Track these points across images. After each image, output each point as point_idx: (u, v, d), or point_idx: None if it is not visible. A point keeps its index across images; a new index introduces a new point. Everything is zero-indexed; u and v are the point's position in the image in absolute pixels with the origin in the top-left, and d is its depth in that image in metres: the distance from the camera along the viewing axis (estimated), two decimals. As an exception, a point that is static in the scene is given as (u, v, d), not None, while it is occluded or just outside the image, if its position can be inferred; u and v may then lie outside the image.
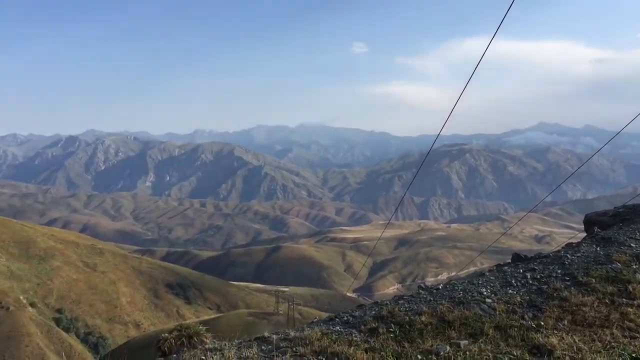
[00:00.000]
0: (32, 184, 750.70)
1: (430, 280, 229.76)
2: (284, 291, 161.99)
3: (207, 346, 9.22)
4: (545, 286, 11.36)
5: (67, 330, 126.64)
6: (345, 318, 10.54)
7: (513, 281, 11.92)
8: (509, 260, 14.53)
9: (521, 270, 12.70)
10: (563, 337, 8.70)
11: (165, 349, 9.72)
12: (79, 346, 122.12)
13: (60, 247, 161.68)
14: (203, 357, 8.49)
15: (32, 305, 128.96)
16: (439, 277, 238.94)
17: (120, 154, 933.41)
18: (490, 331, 9.07)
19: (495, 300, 10.59)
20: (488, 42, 14.59)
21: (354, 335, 9.34)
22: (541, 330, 9.17)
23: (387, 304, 11.32)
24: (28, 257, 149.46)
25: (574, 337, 8.74)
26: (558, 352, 8.18)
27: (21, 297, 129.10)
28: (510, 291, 11.27)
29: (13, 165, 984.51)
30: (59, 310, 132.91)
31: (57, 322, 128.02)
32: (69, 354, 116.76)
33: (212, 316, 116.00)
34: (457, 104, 17.09)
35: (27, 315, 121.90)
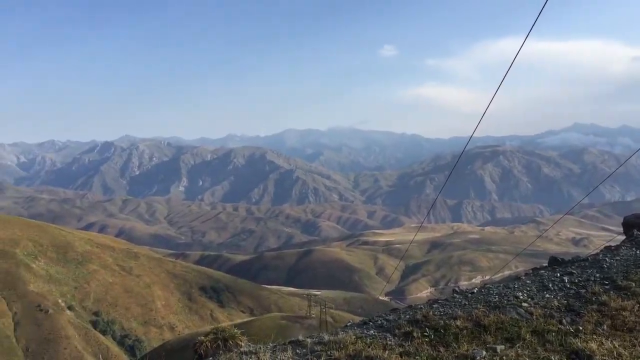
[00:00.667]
0: (69, 189, 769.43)
1: (463, 284, 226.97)
2: (316, 295, 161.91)
3: (242, 349, 9.30)
4: (584, 290, 11.13)
5: (104, 332, 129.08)
6: (379, 322, 10.51)
7: (550, 285, 11.71)
8: (546, 264, 14.28)
9: (558, 274, 12.47)
10: (602, 342, 8.52)
11: (202, 351, 9.85)
12: (115, 348, 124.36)
13: (96, 251, 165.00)
14: (239, 360, 8.57)
15: (70, 308, 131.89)
16: (473, 280, 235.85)
17: (154, 159, 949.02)
18: (528, 336, 8.92)
19: (532, 305, 10.42)
20: (521, 42, 14.42)
21: (388, 339, 9.31)
22: (580, 335, 8.98)
23: (421, 307, 11.25)
24: (66, 261, 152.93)
25: (614, 342, 8.55)
26: (597, 357, 8.01)
27: (59, 300, 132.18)
28: (547, 295, 11.08)
29: (51, 171, 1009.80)
30: (96, 313, 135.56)
31: (94, 324, 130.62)
32: (106, 357, 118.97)
33: (245, 319, 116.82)
34: (489, 105, 16.92)
35: (66, 318, 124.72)
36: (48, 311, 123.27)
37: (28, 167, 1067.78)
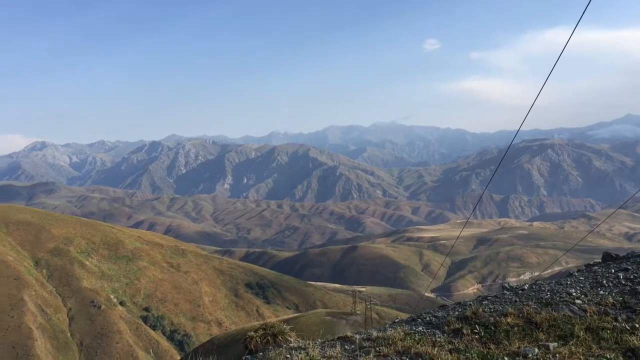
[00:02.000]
0: (119, 188, 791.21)
1: (512, 281, 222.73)
2: (361, 291, 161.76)
3: (291, 345, 9.43)
4: (640, 287, 10.81)
5: (153, 328, 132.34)
6: (428, 318, 10.48)
7: (604, 281, 11.43)
8: (599, 260, 13.92)
9: (613, 270, 12.15)
10: (661, 341, 8.27)
11: (252, 347, 10.02)
12: (165, 343, 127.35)
13: (146, 248, 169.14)
14: (288, 356, 8.68)
15: (121, 303, 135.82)
16: (522, 277, 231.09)
17: (199, 157, 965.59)
18: (581, 333, 8.75)
19: (586, 302, 10.19)
20: (570, 32, 14.05)
21: (437, 335, 9.28)
22: (636, 332, 8.75)
23: (470, 304, 11.15)
24: (117, 258, 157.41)
25: (673, 340, 8.29)
26: (656, 355, 7.79)
27: (112, 296, 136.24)
28: (601, 292, 10.82)
29: (102, 171, 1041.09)
30: (146, 309, 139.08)
31: (145, 320, 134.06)
32: (157, 351, 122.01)
33: (291, 315, 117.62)
34: (537, 98, 16.55)
35: (117, 313, 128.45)
36: (101, 307, 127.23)
37: (80, 167, 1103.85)
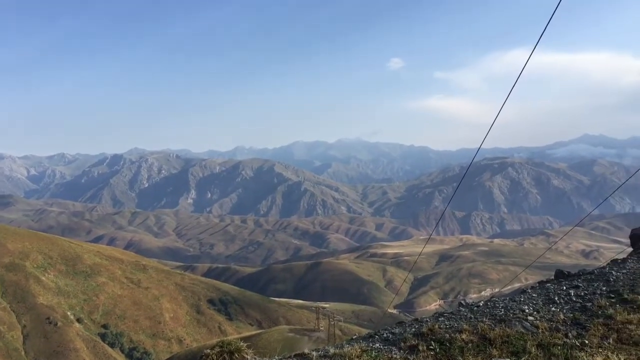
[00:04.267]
0: (79, 202, 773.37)
1: (473, 297, 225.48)
2: (324, 307, 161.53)
3: (248, 362, 9.35)
4: (590, 304, 11.12)
5: (112, 345, 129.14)
6: (385, 335, 10.55)
7: (556, 298, 11.71)
8: (552, 277, 14.27)
9: (564, 287, 12.47)
10: (608, 356, 8.52)
11: (208, 364, 9.88)
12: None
13: (105, 264, 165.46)
14: (244, 374, 8.62)
15: (78, 320, 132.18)
16: (482, 293, 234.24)
17: (163, 171, 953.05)
18: (533, 349, 8.94)
19: (538, 318, 10.43)
20: (529, 54, 14.51)
21: (393, 352, 9.34)
22: (585, 348, 8.98)
23: (427, 321, 11.27)
24: (75, 273, 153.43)
25: (620, 356, 8.54)
26: (603, 371, 8.01)
27: (68, 313, 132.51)
28: (553, 309, 11.08)
29: (61, 184, 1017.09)
30: (105, 326, 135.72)
31: (103, 337, 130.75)
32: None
33: (253, 332, 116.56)
34: (497, 117, 17.00)
35: (74, 330, 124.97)
36: (57, 324, 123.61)
37: (38, 180, 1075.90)
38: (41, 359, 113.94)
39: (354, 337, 11.11)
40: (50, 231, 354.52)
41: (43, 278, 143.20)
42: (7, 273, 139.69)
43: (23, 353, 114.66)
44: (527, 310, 10.97)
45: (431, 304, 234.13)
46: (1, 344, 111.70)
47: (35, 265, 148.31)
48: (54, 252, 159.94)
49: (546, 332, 9.72)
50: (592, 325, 9.96)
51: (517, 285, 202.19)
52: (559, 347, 9.01)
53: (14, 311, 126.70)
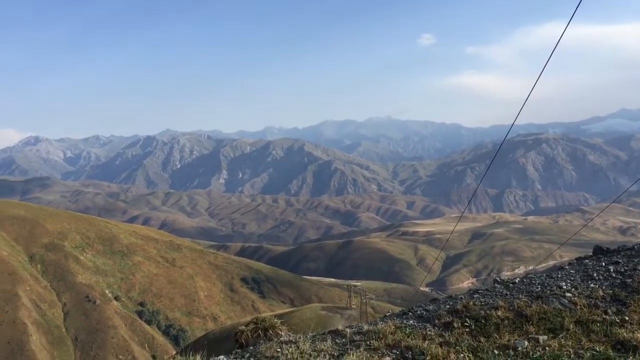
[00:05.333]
0: (114, 183, 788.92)
1: (506, 274, 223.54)
2: (356, 285, 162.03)
3: (282, 339, 9.40)
4: (630, 280, 10.84)
5: (149, 322, 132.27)
6: (419, 312, 10.48)
7: (595, 275, 11.46)
8: (590, 253, 13.96)
9: (604, 264, 12.19)
10: (650, 333, 8.30)
11: (243, 341, 9.99)
12: (160, 338, 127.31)
13: (141, 243, 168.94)
14: (279, 350, 8.66)
15: (116, 298, 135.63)
16: (516, 270, 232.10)
17: (194, 152, 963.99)
18: (571, 326, 8.77)
19: (576, 295, 10.21)
20: (564, 26, 14.05)
21: (428, 329, 9.28)
22: (625, 325, 8.78)
23: (461, 298, 11.16)
24: (112, 253, 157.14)
25: (662, 332, 8.32)
26: (644, 348, 7.81)
27: (106, 291, 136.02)
28: (592, 285, 10.84)
29: (96, 166, 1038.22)
30: (141, 304, 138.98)
31: (140, 315, 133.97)
32: (152, 346, 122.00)
33: (286, 310, 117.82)
34: (531, 92, 16.57)
35: (112, 308, 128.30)
36: (96, 302, 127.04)
37: (74, 162, 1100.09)
38: (81, 336, 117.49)
39: (387, 315, 11.07)
40: (87, 212, 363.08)
41: (81, 257, 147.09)
42: (47, 253, 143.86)
43: (64, 330, 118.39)
44: (564, 287, 10.75)
45: (464, 282, 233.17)
46: (43, 322, 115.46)
47: (73, 245, 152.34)
48: (91, 232, 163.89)
49: (585, 309, 9.51)
50: (632, 302, 9.71)
51: (551, 262, 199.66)
52: (598, 324, 8.83)
53: (54, 290, 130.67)
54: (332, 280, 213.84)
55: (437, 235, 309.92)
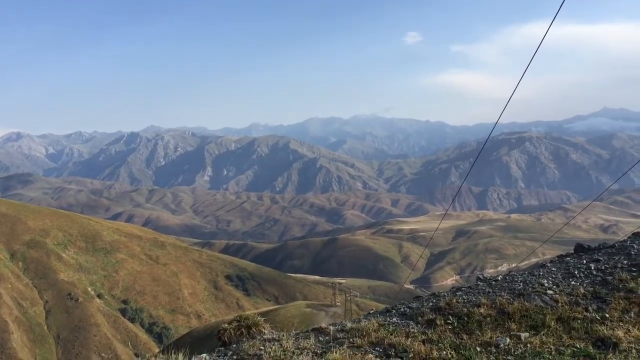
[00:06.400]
0: (97, 179, 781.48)
1: (489, 272, 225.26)
2: (341, 283, 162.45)
3: (265, 337, 9.38)
4: (611, 277, 10.96)
5: (132, 320, 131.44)
6: (402, 309, 10.51)
7: (576, 272, 11.56)
8: (572, 251, 14.09)
9: (585, 261, 12.30)
10: (629, 330, 8.41)
11: (226, 339, 9.94)
12: (143, 336, 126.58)
13: (124, 241, 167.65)
14: (262, 347, 8.64)
15: (99, 296, 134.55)
16: (499, 268, 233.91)
17: (179, 149, 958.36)
18: (552, 323, 8.85)
19: (558, 292, 10.30)
20: (547, 26, 14.14)
21: (411, 326, 9.31)
22: (606, 322, 8.87)
23: (444, 295, 11.21)
24: (95, 250, 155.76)
25: (641, 329, 8.42)
26: (624, 344, 7.91)
27: (89, 289, 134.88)
28: (573, 282, 10.95)
29: (79, 162, 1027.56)
30: (125, 301, 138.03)
31: (123, 312, 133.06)
32: (135, 344, 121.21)
33: (270, 308, 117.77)
34: (515, 91, 16.65)
35: (95, 306, 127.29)
36: (78, 299, 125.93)
37: (56, 158, 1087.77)
38: (63, 334, 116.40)
39: (371, 312, 11.10)
40: (69, 209, 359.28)
41: (64, 255, 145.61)
42: (28, 250, 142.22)
43: (45, 328, 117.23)
44: (546, 284, 10.84)
45: (447, 279, 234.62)
46: (24, 319, 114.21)
47: (55, 242, 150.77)
48: (74, 229, 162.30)
49: (566, 306, 9.60)
50: (613, 299, 9.82)
51: (534, 260, 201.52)
52: (579, 321, 8.91)
53: (36, 287, 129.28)
54: (317, 277, 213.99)
55: (422, 233, 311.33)
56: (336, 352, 8.02)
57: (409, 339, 8.51)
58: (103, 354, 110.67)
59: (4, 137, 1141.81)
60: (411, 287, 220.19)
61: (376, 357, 8.05)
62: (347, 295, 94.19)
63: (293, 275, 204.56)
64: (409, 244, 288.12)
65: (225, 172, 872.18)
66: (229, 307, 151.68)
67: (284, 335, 9.22)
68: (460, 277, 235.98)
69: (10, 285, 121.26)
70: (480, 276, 12.45)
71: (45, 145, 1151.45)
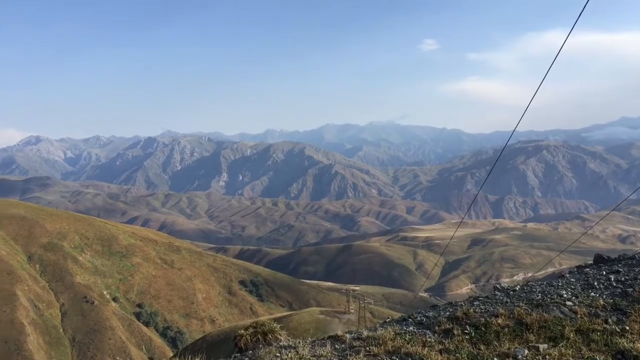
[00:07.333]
0: (114, 183, 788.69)
1: (505, 281, 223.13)
2: (354, 290, 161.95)
3: (281, 343, 9.39)
4: (631, 289, 10.82)
5: (147, 324, 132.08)
6: (419, 318, 10.45)
7: (595, 283, 11.43)
8: (591, 262, 13.93)
9: (604, 272, 12.16)
10: (650, 343, 8.27)
11: (242, 345, 9.97)
12: (158, 340, 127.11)
13: (140, 245, 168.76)
14: (278, 354, 8.65)
15: (114, 300, 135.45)
16: (515, 277, 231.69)
17: (195, 154, 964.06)
18: (571, 335, 8.74)
19: (577, 303, 10.18)
20: (566, 34, 14.06)
21: (427, 336, 9.26)
22: (626, 335, 8.75)
23: (461, 304, 11.13)
24: (111, 253, 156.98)
25: (663, 343, 8.28)
26: (645, 358, 7.79)
27: (105, 292, 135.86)
28: (592, 294, 10.81)
29: (96, 166, 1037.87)
30: (140, 305, 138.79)
31: (138, 316, 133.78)
32: (149, 347, 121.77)
33: (284, 314, 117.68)
34: (533, 99, 16.57)
35: (110, 309, 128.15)
36: (94, 302, 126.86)
37: (74, 162, 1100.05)
38: (79, 337, 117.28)
39: (387, 320, 11.05)
40: (86, 212, 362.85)
41: (80, 258, 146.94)
42: (45, 253, 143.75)
43: (61, 330, 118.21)
44: (565, 295, 10.73)
45: (462, 288, 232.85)
46: (40, 322, 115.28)
47: (72, 246, 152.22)
48: (91, 232, 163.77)
49: (585, 318, 9.49)
50: (633, 311, 9.68)
51: (550, 270, 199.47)
52: (599, 333, 8.80)
53: (52, 290, 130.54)
54: (331, 284, 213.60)
55: (437, 241, 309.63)
56: (352, 361, 8.00)
57: (426, 349, 8.47)
58: (118, 358, 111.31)
59: (23, 141, 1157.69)
60: (426, 295, 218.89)
61: (393, 366, 8.01)
62: (361, 302, 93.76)
63: (307, 281, 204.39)
64: (424, 251, 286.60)
65: (241, 178, 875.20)
66: (242, 313, 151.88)
67: (300, 343, 9.21)
68: (476, 286, 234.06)
69: (27, 287, 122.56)
70: (498, 286, 12.35)
71: (64, 149, 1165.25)
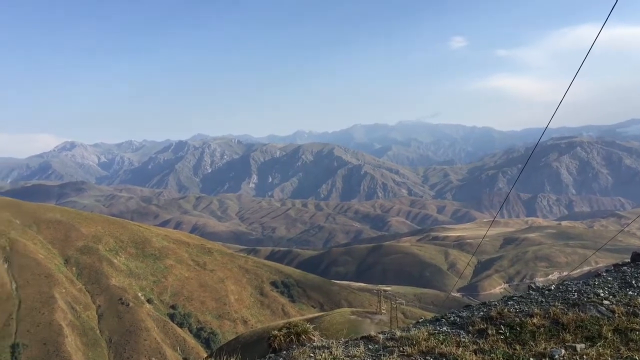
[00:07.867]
0: (146, 187, 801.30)
1: (539, 280, 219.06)
2: (386, 290, 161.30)
3: (314, 344, 9.45)
4: (670, 288, 10.58)
5: (180, 325, 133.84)
6: (452, 318, 10.40)
7: (633, 282, 11.21)
8: (628, 260, 13.65)
9: (642, 271, 11.91)
10: (691, 343, 8.09)
11: (276, 345, 10.06)
12: (191, 341, 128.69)
13: (173, 247, 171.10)
14: (311, 355, 8.70)
15: (149, 301, 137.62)
16: (549, 276, 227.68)
17: (225, 156, 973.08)
18: (609, 334, 8.60)
19: (614, 302, 10.00)
20: (599, 28, 13.82)
21: (461, 336, 9.20)
22: (666, 334, 8.56)
23: (495, 304, 11.03)
24: (144, 256, 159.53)
25: None
26: (686, 358, 7.62)
27: (139, 294, 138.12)
28: (630, 293, 10.61)
29: (129, 170, 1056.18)
30: (173, 307, 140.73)
31: (172, 317, 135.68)
32: (183, 348, 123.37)
33: (316, 314, 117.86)
34: (565, 95, 16.31)
35: (145, 311, 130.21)
36: (129, 304, 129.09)
37: (108, 167, 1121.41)
38: (115, 338, 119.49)
39: (420, 320, 11.02)
40: (120, 216, 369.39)
41: (115, 261, 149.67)
42: (81, 256, 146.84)
43: (98, 332, 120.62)
44: (602, 294, 10.54)
45: (495, 288, 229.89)
46: (78, 323, 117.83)
47: (107, 249, 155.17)
48: (125, 235, 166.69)
49: (623, 317, 9.31)
50: (673, 311, 9.47)
51: (586, 268, 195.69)
52: (637, 333, 8.64)
53: (88, 292, 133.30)
54: (362, 284, 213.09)
55: (469, 240, 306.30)
56: (386, 361, 8.01)
57: (460, 349, 8.42)
58: (153, 358, 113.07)
59: (58, 147, 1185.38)
60: (458, 295, 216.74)
61: (427, 366, 8.00)
62: (393, 302, 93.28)
63: (338, 282, 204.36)
64: (456, 251, 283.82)
65: (271, 180, 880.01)
66: (274, 313, 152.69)
67: (333, 343, 9.26)
68: (509, 286, 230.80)
69: (64, 290, 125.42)
70: (532, 285, 12.19)
71: (98, 154, 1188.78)
